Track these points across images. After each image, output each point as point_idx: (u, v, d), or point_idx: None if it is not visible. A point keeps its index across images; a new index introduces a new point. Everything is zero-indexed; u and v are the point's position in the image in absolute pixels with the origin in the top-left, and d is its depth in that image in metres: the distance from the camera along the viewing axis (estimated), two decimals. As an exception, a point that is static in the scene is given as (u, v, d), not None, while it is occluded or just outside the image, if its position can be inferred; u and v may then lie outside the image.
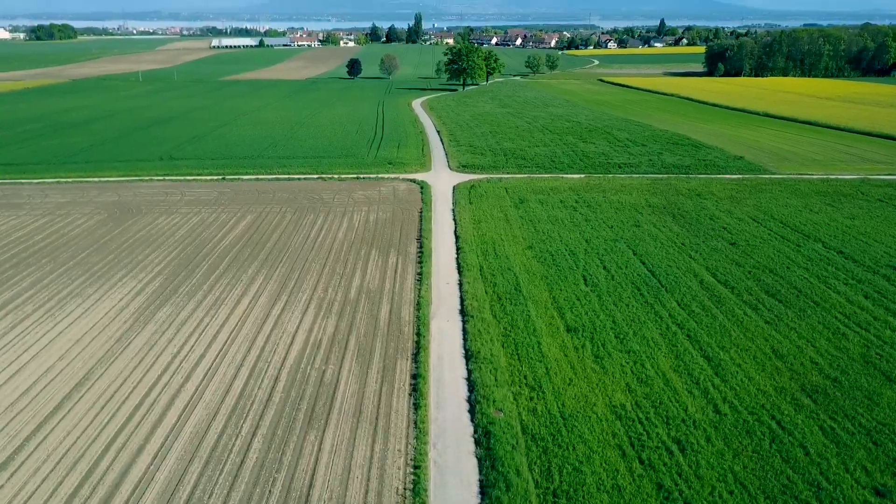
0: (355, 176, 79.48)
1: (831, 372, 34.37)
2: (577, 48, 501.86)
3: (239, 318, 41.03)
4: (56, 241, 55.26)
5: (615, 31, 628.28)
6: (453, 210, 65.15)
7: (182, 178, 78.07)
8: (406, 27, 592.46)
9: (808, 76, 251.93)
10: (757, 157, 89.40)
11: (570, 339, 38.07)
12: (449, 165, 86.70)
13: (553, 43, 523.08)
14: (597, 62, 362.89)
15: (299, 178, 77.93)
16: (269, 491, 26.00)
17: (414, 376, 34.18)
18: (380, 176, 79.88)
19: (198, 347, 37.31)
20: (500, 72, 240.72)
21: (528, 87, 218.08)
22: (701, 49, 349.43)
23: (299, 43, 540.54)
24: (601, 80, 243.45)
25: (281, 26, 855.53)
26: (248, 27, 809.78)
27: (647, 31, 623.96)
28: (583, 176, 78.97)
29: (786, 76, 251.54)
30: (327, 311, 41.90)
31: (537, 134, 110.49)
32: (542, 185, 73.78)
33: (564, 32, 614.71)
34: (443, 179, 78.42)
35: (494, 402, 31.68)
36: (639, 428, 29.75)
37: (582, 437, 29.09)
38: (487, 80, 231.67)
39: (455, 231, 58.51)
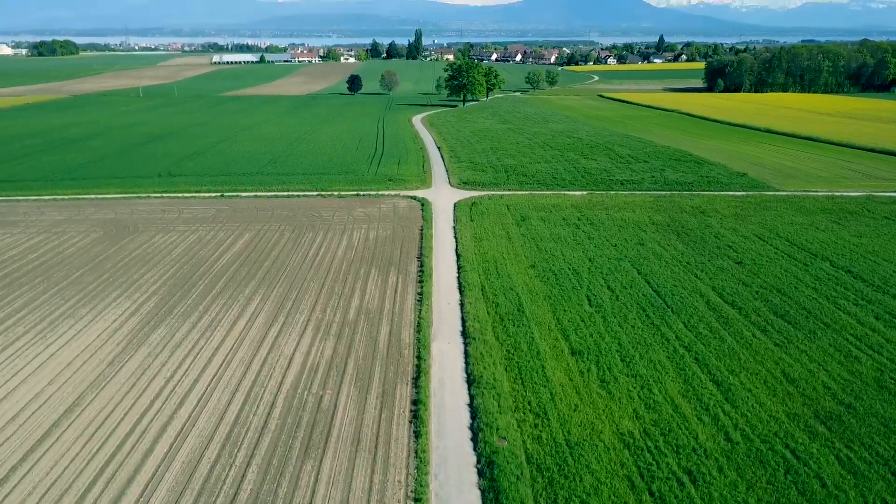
0: (355, 193, 78.71)
1: (845, 397, 33.31)
2: (576, 64, 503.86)
3: (235, 340, 40.01)
4: (50, 260, 54.32)
5: (614, 46, 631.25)
6: (454, 227, 64.28)
7: (180, 195, 77.27)
8: (406, 43, 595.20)
9: (808, 92, 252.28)
10: (760, 173, 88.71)
11: (574, 362, 37.02)
12: (450, 182, 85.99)
13: (553, 59, 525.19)
14: (596, 78, 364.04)
15: (298, 195, 77.15)
16: (263, 526, 24.88)
17: (414, 402, 33.11)
18: (380, 193, 79.10)
19: (192, 371, 36.27)
20: (500, 87, 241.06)
21: (528, 102, 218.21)
22: (700, 65, 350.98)
23: (300, 59, 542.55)
24: (601, 96, 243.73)
25: (282, 42, 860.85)
26: (250, 43, 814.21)
27: (647, 47, 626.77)
28: (585, 193, 78.20)
29: (786, 92, 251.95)
30: (325, 333, 40.88)
31: (538, 150, 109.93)
32: (543, 203, 72.98)
33: (564, 48, 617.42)
34: (443, 196, 77.64)
35: (498, 429, 30.60)
36: (648, 457, 28.66)
37: (589, 467, 27.98)
38: (488, 96, 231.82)
39: (456, 249, 57.60)
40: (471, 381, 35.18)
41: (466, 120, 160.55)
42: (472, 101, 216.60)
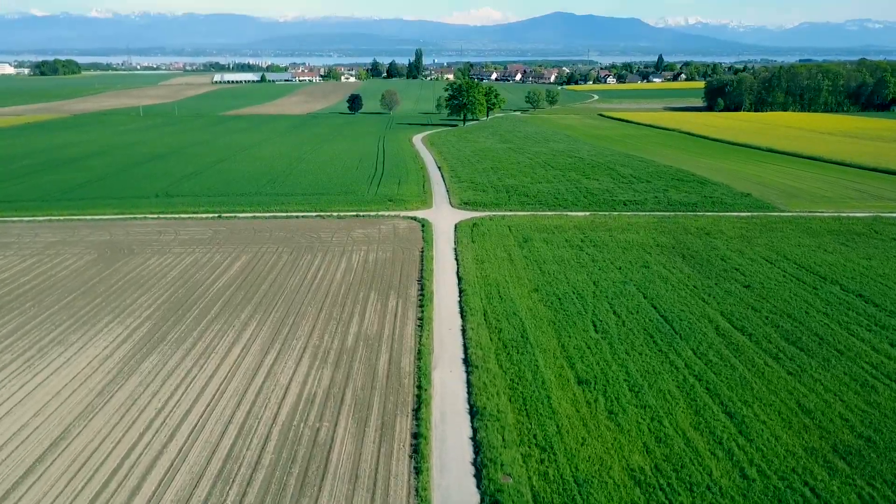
0: (355, 213, 77.68)
1: (864, 430, 31.95)
2: (576, 83, 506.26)
3: (229, 368, 38.68)
4: (42, 284, 53.09)
5: (613, 66, 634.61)
6: (455, 249, 63.13)
7: (177, 216, 76.22)
8: (407, 63, 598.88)
9: (808, 111, 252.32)
10: (764, 193, 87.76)
11: (581, 392, 35.67)
12: (450, 202, 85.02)
13: (552, 78, 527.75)
14: (596, 97, 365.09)
15: (297, 216, 76.09)
16: (255, 573, 23.45)
17: (415, 435, 31.73)
18: (380, 213, 78.08)
19: (184, 402, 34.91)
20: (500, 107, 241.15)
21: (528, 122, 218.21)
22: (699, 84, 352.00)
23: (301, 78, 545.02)
24: (601, 115, 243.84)
25: (283, 62, 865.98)
26: (251, 62, 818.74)
27: (646, 67, 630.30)
28: (588, 214, 77.15)
29: (786, 111, 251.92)
30: (323, 361, 39.55)
31: (539, 170, 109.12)
32: (546, 224, 71.89)
33: (563, 68, 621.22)
34: (444, 217, 76.60)
35: (502, 465, 29.22)
36: (660, 496, 27.26)
37: (599, 507, 26.57)
38: (488, 116, 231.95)
39: (457, 272, 56.39)
40: (473, 412, 33.83)
41: (467, 139, 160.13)
42: (473, 120, 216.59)
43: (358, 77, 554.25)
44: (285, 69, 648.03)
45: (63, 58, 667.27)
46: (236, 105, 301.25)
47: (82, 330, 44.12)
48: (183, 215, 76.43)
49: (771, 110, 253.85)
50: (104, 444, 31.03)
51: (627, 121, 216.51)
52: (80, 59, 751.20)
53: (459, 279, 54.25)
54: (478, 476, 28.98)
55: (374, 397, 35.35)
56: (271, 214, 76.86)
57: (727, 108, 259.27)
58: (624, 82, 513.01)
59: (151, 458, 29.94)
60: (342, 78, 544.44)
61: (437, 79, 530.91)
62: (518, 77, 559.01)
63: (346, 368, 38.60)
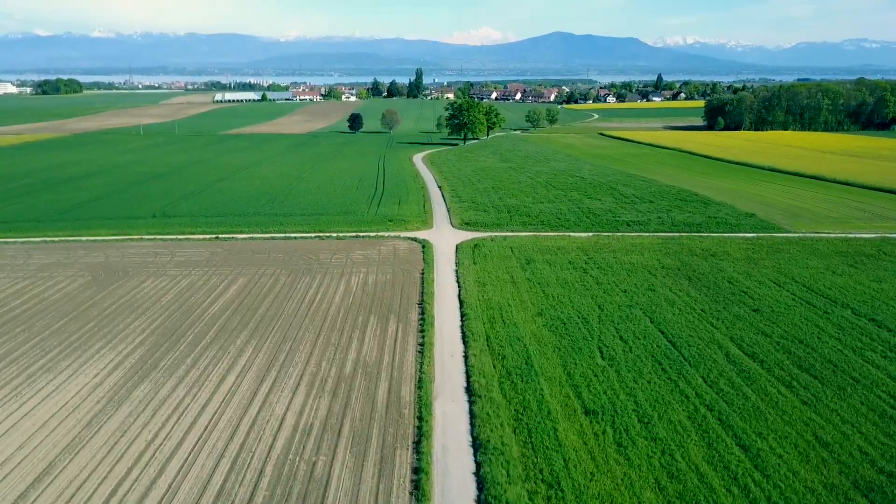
0: (354, 234, 76.59)
1: (885, 465, 30.55)
2: (576, 102, 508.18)
3: (223, 397, 37.31)
4: (34, 308, 51.82)
5: (613, 85, 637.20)
6: (456, 271, 61.93)
7: (174, 236, 75.12)
8: (407, 82, 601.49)
9: (808, 130, 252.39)
10: (768, 213, 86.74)
11: (588, 423, 34.28)
12: (451, 222, 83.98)
13: (552, 97, 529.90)
14: (596, 116, 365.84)
15: (296, 237, 74.96)
16: None
17: (415, 470, 30.31)
18: (380, 234, 76.98)
19: (175, 433, 33.52)
20: (500, 126, 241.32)
21: (528, 141, 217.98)
22: (699, 103, 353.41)
23: (301, 97, 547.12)
24: (602, 134, 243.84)
25: (284, 81, 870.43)
26: (252, 81, 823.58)
27: (645, 86, 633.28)
28: (590, 234, 76.05)
29: (786, 130, 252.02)
30: (320, 390, 38.18)
31: (541, 189, 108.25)
32: (548, 245, 70.75)
33: (563, 87, 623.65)
34: (445, 238, 75.49)
35: (507, 502, 27.79)
36: (675, 538, 25.82)
37: (610, 550, 25.13)
38: (488, 135, 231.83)
39: (459, 295, 55.14)
40: (477, 445, 32.43)
41: (467, 159, 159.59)
42: (473, 139, 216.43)
43: (359, 96, 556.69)
44: (286, 88, 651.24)
45: (65, 76, 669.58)
46: (237, 124, 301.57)
47: (73, 356, 42.82)
48: (180, 236, 75.33)
49: (771, 129, 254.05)
50: (90, 481, 29.61)
51: (628, 140, 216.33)
52: (82, 78, 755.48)
53: (461, 302, 53.02)
54: (482, 515, 27.57)
55: (372, 429, 33.95)
56: (269, 235, 75.77)
57: (727, 127, 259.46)
58: (624, 101, 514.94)
59: (139, 496, 28.52)
60: (343, 97, 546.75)
61: (437, 98, 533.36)
62: (518, 96, 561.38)
63: (344, 398, 37.23)
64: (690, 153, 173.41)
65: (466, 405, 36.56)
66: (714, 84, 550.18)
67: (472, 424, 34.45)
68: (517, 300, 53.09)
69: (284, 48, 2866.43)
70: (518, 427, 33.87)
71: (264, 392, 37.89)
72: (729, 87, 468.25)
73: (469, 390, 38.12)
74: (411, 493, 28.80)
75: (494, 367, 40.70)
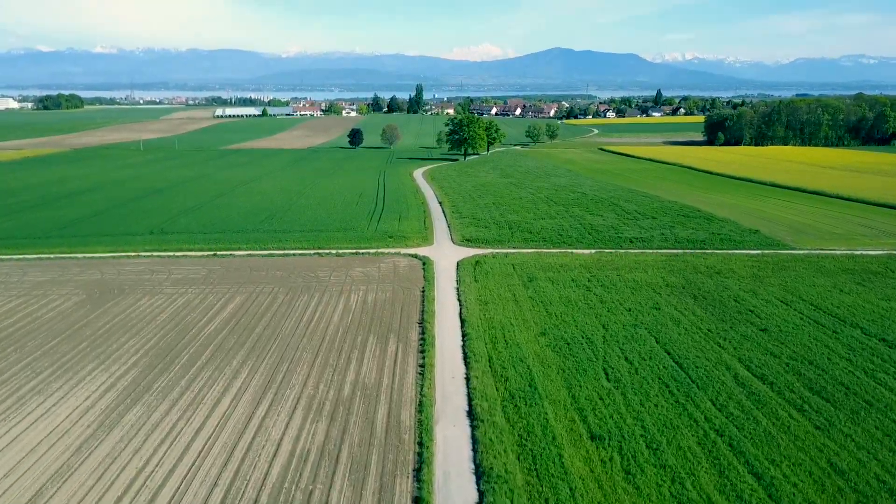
0: (354, 251, 75.62)
1: (904, 494, 29.38)
2: (576, 117, 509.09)
3: (218, 421, 36.18)
4: (26, 327, 50.77)
5: (613, 100, 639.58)
6: (457, 289, 60.91)
7: (171, 253, 74.17)
8: (407, 97, 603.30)
9: (809, 145, 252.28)
10: (772, 230, 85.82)
11: (595, 449, 33.13)
12: (452, 239, 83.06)
13: (552, 112, 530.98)
14: (596, 131, 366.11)
15: (294, 254, 74.03)
16: None
17: (416, 500, 29.16)
18: (380, 251, 76.01)
19: (167, 460, 32.38)
20: (500, 141, 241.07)
21: (529, 156, 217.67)
22: (699, 118, 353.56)
23: (302, 112, 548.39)
24: (602, 149, 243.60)
25: (284, 96, 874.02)
26: (253, 97, 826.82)
27: (644, 101, 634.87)
28: (593, 251, 75.06)
29: (786, 145, 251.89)
30: (317, 413, 37.05)
31: (542, 205, 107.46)
32: (551, 262, 69.78)
33: (563, 102, 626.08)
34: (446, 254, 74.54)
35: (512, 535, 26.64)
36: (688, 573, 24.63)
37: (620, 587, 23.95)
38: (488, 150, 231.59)
39: (460, 313, 54.08)
40: (479, 472, 31.28)
41: (468, 174, 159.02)
42: (473, 154, 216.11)
43: (359, 111, 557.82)
44: (287, 103, 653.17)
45: (67, 92, 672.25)
46: (237, 139, 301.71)
47: (64, 378, 41.72)
48: (177, 253, 74.38)
49: (771, 144, 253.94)
50: (77, 511, 28.48)
51: (628, 155, 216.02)
52: (84, 94, 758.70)
53: (462, 321, 51.94)
54: (485, 548, 26.40)
55: (371, 455, 32.80)
56: (268, 252, 74.82)
57: (727, 143, 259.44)
58: (623, 116, 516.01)
59: (128, 527, 27.38)
60: (343, 112, 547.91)
61: (437, 113, 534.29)
62: (518, 111, 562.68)
63: (342, 422, 36.09)
64: (691, 168, 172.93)
65: (468, 430, 35.42)
66: (713, 99, 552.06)
67: (474, 450, 33.31)
68: (520, 319, 52.04)
69: (285, 64, 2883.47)
70: (522, 453, 32.74)
71: (260, 416, 36.77)
72: (728, 103, 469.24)
73: (471, 414, 37.00)
74: (412, 525, 27.65)
75: (497, 390, 39.60)
